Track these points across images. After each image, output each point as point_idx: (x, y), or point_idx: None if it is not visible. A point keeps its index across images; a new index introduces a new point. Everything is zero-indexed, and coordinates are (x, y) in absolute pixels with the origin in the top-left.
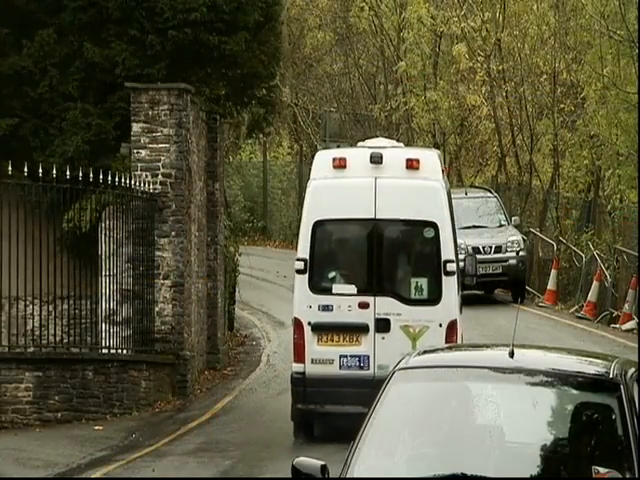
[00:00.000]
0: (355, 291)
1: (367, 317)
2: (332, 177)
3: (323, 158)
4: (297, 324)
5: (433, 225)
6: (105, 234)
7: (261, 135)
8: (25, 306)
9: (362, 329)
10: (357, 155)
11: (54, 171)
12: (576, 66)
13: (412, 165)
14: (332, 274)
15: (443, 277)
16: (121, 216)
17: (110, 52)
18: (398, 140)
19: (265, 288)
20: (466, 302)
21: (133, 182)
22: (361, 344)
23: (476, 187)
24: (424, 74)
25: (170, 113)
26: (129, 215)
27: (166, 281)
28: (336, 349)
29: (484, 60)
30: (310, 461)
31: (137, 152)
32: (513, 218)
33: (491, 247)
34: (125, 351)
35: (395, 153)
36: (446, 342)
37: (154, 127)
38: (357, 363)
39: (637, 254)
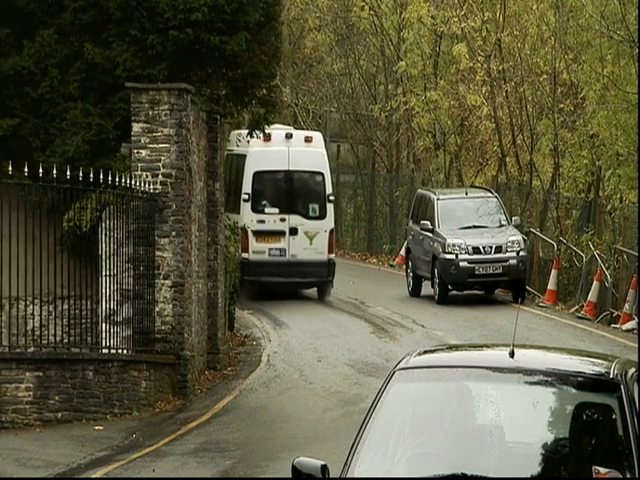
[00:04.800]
0: (278, 211)
1: (284, 226)
2: (263, 147)
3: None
4: (244, 231)
5: (321, 174)
6: (105, 234)
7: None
8: (25, 306)
9: (281, 233)
10: (277, 134)
11: (54, 171)
12: (576, 66)
13: (308, 140)
14: (264, 202)
15: (327, 204)
16: (121, 216)
17: (111, 52)
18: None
19: (265, 288)
20: (466, 302)
21: (133, 182)
22: (281, 242)
23: (476, 187)
24: (424, 74)
25: (170, 113)
26: (129, 215)
27: (166, 281)
28: (266, 245)
29: (484, 60)
30: (310, 461)
31: (137, 152)
32: (513, 218)
33: (491, 247)
34: (125, 351)
35: (298, 133)
36: (328, 241)
37: (154, 127)
38: (278, 253)
39: (637, 254)
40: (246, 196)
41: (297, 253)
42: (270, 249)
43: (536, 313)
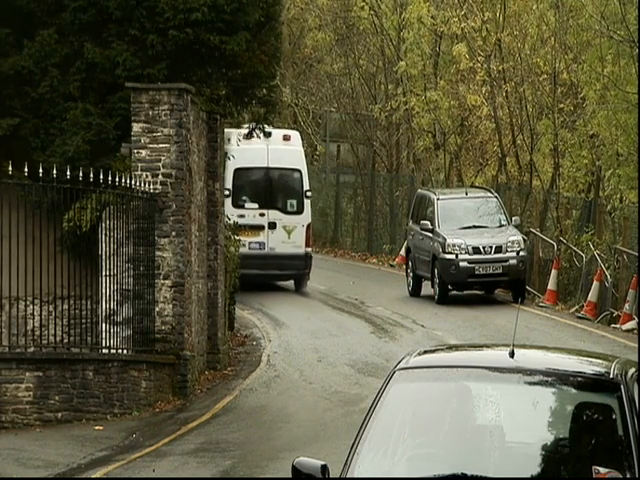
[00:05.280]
0: (257, 206)
1: (263, 221)
2: (244, 144)
3: (240, 135)
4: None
5: (299, 171)
6: (105, 234)
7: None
8: (25, 306)
9: (261, 228)
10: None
11: (54, 171)
12: (576, 66)
13: (286, 138)
14: (244, 197)
15: (304, 199)
16: (121, 216)
17: (111, 52)
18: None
19: (265, 288)
20: (466, 302)
21: (133, 182)
22: (260, 236)
23: (476, 187)
24: (424, 74)
25: (170, 113)
26: (129, 215)
27: (166, 281)
28: (247, 238)
29: (484, 60)
30: (310, 461)
31: (137, 152)
32: (513, 218)
33: (491, 247)
34: (125, 351)
35: (276, 132)
36: (305, 235)
37: (154, 127)
38: (258, 246)
39: (637, 254)
40: (227, 192)
41: (276, 246)
42: (250, 242)
43: (536, 313)
